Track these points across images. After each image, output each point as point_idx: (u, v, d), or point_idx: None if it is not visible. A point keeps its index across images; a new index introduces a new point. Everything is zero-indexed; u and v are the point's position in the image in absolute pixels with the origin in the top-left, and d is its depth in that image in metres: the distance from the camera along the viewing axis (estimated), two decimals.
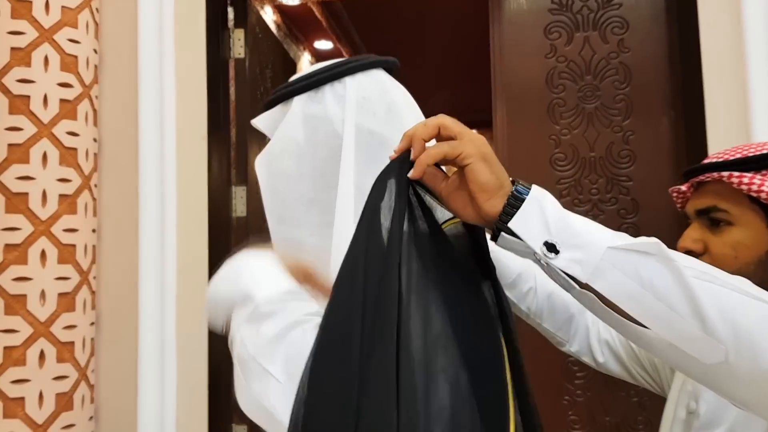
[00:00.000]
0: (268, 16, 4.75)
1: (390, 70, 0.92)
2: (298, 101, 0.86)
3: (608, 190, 2.07)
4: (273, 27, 4.91)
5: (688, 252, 1.01)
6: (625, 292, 0.66)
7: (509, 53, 2.12)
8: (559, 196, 2.05)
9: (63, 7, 1.85)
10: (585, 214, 2.06)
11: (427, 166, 0.72)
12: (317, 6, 4.52)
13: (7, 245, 1.76)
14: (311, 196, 0.84)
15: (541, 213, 0.70)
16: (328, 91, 0.85)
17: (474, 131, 0.74)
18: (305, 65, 5.84)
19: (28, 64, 1.80)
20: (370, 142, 0.84)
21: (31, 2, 1.80)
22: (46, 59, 1.82)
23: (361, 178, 0.81)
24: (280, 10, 4.89)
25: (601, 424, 2.01)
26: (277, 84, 2.66)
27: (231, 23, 2.22)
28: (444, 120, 0.73)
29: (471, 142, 0.71)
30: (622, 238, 0.68)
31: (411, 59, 6.54)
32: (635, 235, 0.71)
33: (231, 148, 2.19)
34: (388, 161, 0.77)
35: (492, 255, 0.83)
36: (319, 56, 5.99)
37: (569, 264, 0.68)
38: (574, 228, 0.69)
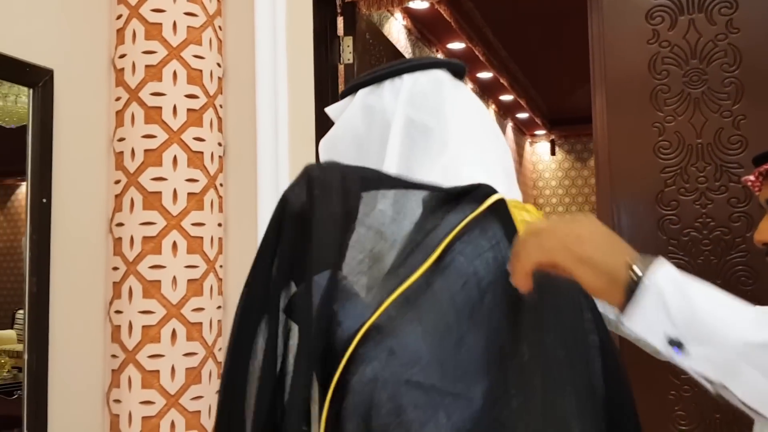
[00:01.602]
0: (399, 21, 4.92)
1: (458, 74, 1.00)
2: (361, 93, 0.98)
3: (717, 178, 1.98)
4: (404, 32, 5.07)
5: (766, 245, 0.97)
6: (766, 398, 0.57)
7: (609, 41, 2.10)
8: (663, 185, 2.01)
9: (189, 26, 2.10)
10: (691, 203, 1.99)
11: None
12: (445, 7, 4.61)
13: (144, 237, 2.03)
14: None
15: (662, 303, 0.61)
16: (388, 85, 0.96)
17: (566, 227, 0.68)
18: None
19: (160, 79, 2.06)
20: (416, 131, 0.92)
21: (161, 24, 2.06)
22: (174, 74, 2.07)
23: (403, 162, 0.90)
24: (410, 14, 5.04)
25: (710, 421, 1.94)
26: None
27: (341, 31, 2.38)
28: (528, 253, 0.68)
29: (563, 250, 0.65)
30: (763, 329, 0.58)
31: (549, 54, 6.45)
32: (748, 226, 0.67)
33: None
34: (429, 149, 0.88)
35: None
36: (452, 57, 6.07)
37: (698, 363, 0.59)
38: (701, 316, 0.60)
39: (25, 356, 1.80)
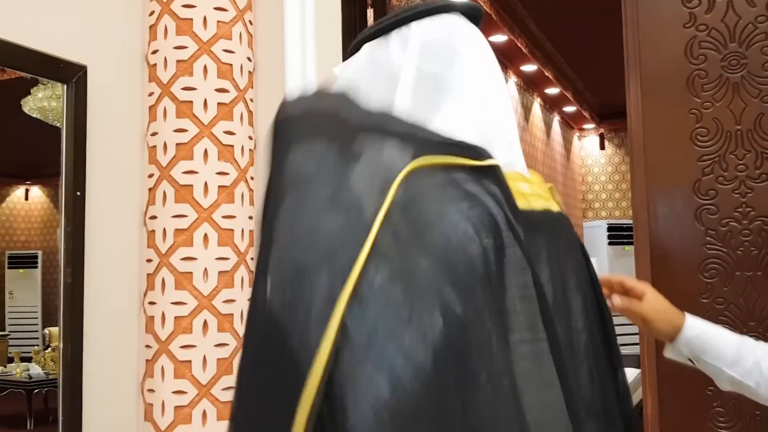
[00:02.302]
0: None
1: (474, 18, 0.91)
2: (366, 47, 0.89)
3: (757, 166, 1.90)
4: None
5: None
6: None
7: (644, 25, 2.03)
8: (701, 174, 1.94)
9: (219, 21, 2.12)
10: (730, 192, 1.92)
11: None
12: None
13: (176, 230, 2.06)
14: None
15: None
16: (395, 36, 0.86)
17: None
18: None
19: (191, 74, 2.09)
20: (428, 84, 0.83)
21: (191, 19, 2.09)
22: (205, 68, 2.09)
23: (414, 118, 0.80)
24: None
25: (750, 418, 1.86)
26: None
27: (372, 22, 2.37)
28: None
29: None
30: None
31: (596, 45, 6.31)
32: None
33: None
34: (443, 103, 0.82)
35: (704, 331, 1.03)
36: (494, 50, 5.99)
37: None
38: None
39: (60, 346, 1.85)
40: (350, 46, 0.92)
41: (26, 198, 2.35)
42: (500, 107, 0.88)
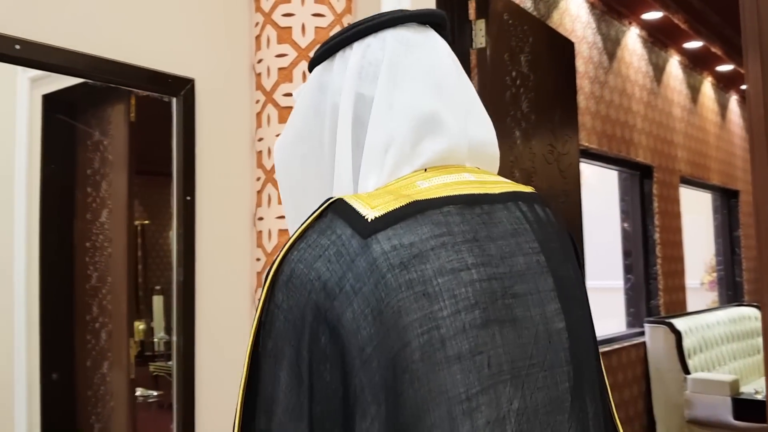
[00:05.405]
0: None
1: (438, 26, 0.86)
2: (317, 70, 0.86)
3: None
4: (585, 6, 4.78)
5: None
6: None
7: None
8: None
9: (316, 27, 2.18)
10: None
11: None
12: None
13: (279, 230, 2.15)
14: (313, 179, 0.85)
15: None
16: (339, 58, 0.83)
17: None
18: (631, 40, 5.51)
19: (291, 80, 2.17)
20: (367, 109, 0.79)
21: (291, 27, 2.17)
22: (303, 75, 2.16)
23: (356, 156, 0.79)
24: None
25: None
26: (535, 67, 2.66)
27: (473, 16, 2.32)
28: None
29: None
30: None
31: None
32: None
33: None
34: (387, 137, 0.77)
35: None
36: (648, 28, 5.59)
37: None
38: None
39: (174, 339, 2.01)
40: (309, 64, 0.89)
41: None
42: (441, 115, 0.81)
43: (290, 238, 0.73)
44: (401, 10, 0.84)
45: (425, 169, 0.78)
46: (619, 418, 0.86)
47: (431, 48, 0.83)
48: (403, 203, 0.72)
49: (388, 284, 0.66)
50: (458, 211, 0.73)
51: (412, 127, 0.78)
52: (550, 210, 0.83)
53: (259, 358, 0.71)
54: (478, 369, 0.66)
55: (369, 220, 0.69)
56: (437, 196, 0.74)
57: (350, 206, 0.71)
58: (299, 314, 0.68)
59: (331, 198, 0.74)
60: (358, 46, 0.82)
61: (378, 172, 0.77)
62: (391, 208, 0.71)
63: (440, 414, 0.64)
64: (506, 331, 0.70)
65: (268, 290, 0.71)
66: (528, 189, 0.86)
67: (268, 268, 0.73)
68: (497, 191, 0.79)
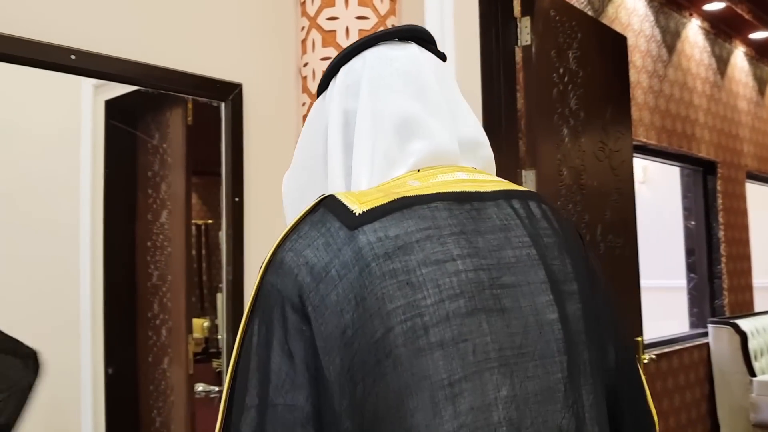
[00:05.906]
0: None
1: (422, 40, 0.91)
2: (315, 103, 0.94)
3: None
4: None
5: None
6: None
7: None
8: None
9: (360, 29, 2.21)
10: None
11: None
12: None
13: None
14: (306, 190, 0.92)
15: None
16: (331, 86, 0.91)
17: None
18: (692, 32, 5.35)
19: None
20: (354, 122, 0.86)
21: (335, 31, 2.20)
22: None
23: (347, 170, 0.85)
24: None
25: None
26: (584, 63, 2.62)
27: (518, 12, 2.30)
28: None
29: None
30: None
31: None
32: None
33: (520, 134, 2.28)
34: (372, 141, 0.83)
35: None
36: (710, 19, 5.42)
37: None
38: None
39: (224, 335, 2.07)
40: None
41: None
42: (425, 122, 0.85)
43: (285, 231, 0.78)
44: (383, 30, 0.91)
45: (418, 170, 0.82)
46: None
47: (411, 57, 0.88)
48: (391, 199, 0.76)
49: (372, 272, 0.70)
50: (446, 207, 0.77)
51: (394, 130, 0.83)
52: (550, 207, 0.85)
53: (251, 337, 0.75)
54: (462, 356, 0.69)
55: (357, 214, 0.74)
56: (427, 193, 0.78)
57: (340, 201, 0.76)
58: (287, 294, 0.72)
59: (324, 195, 0.79)
60: (343, 70, 0.89)
61: (368, 176, 0.82)
62: (379, 204, 0.75)
63: (422, 398, 0.67)
64: (494, 320, 0.72)
65: (261, 276, 0.76)
66: (526, 189, 0.88)
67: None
68: (489, 189, 0.82)
